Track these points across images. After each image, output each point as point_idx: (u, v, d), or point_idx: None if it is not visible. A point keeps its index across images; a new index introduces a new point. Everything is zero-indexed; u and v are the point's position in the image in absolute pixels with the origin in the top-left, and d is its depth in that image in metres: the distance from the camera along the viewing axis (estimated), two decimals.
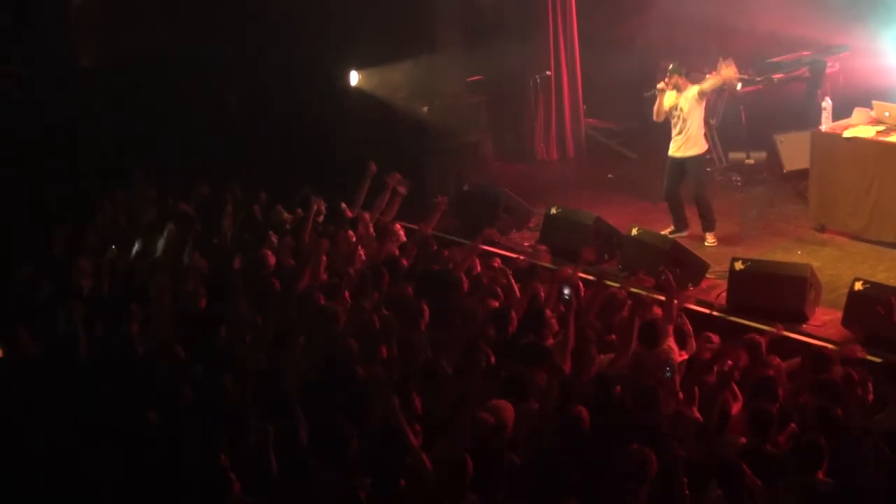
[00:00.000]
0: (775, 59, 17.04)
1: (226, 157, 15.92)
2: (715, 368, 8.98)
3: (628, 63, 17.93)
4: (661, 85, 13.90)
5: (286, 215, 13.34)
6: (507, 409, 8.35)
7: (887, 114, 13.62)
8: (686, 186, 14.22)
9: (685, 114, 13.82)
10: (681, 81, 13.86)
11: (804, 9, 16.71)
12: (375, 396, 8.76)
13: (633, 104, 17.74)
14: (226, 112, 16.86)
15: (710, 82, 14.08)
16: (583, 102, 18.25)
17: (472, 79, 17.58)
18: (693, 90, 13.81)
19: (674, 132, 13.98)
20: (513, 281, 11.10)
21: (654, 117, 14.07)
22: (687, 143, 13.93)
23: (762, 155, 16.34)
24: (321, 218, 13.08)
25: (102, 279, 11.71)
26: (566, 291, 10.76)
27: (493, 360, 9.35)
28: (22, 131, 15.06)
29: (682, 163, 14.02)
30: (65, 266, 11.98)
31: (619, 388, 8.83)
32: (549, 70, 17.84)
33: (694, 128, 13.89)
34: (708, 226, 14.06)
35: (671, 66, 13.92)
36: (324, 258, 11.61)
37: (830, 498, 7.29)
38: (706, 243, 13.92)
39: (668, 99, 13.87)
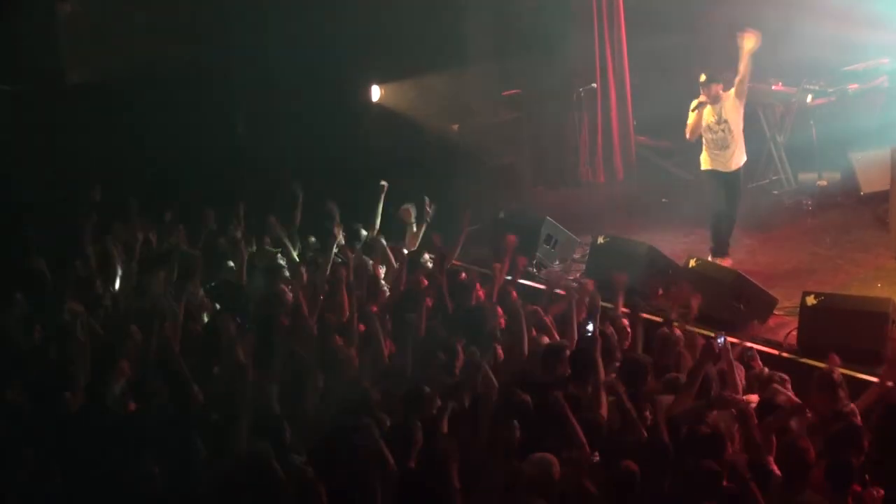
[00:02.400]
0: (850, 68, 17.07)
1: (231, 182, 15.99)
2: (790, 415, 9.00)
3: (683, 73, 17.96)
4: (701, 98, 13.94)
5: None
6: (552, 461, 8.39)
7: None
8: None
9: (731, 124, 13.91)
10: (720, 91, 13.89)
11: (883, 9, 16.70)
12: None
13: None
14: (232, 133, 16.93)
15: (742, 67, 13.87)
16: (633, 118, 18.27)
17: (507, 93, 17.64)
18: (731, 94, 13.90)
19: (714, 148, 14.10)
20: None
21: (688, 135, 14.21)
22: (735, 154, 14.06)
23: (836, 175, 16.35)
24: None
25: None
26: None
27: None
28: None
29: (730, 178, 14.13)
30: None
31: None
32: (595, 82, 17.89)
33: (740, 137, 14.03)
34: (720, 250, 14.24)
35: (705, 77, 13.95)
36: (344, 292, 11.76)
37: None
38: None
39: (708, 114, 13.97)
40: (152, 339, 11.05)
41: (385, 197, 14.20)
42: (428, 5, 16.51)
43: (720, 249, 14.21)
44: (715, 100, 13.84)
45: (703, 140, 14.13)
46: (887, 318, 11.77)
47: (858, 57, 17.25)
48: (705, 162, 14.25)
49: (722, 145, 13.99)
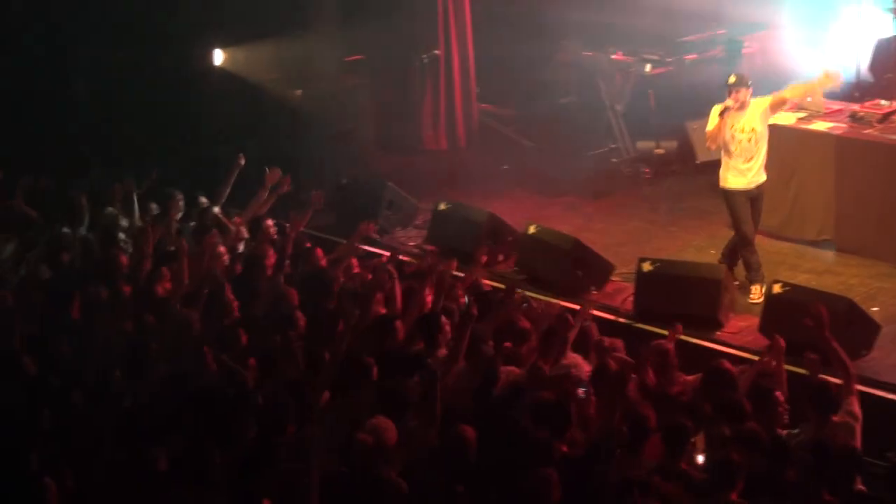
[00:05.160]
0: (687, 39, 17.32)
1: (73, 150, 15.72)
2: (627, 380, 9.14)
3: (525, 42, 18.09)
4: (729, 102, 12.37)
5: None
6: (389, 427, 8.41)
7: (809, 99, 13.83)
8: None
9: (758, 135, 12.40)
10: (747, 96, 12.44)
11: None
12: (242, 415, 8.78)
13: (531, 87, 17.97)
14: (73, 99, 16.62)
15: (797, 92, 12.95)
16: (475, 85, 18.32)
17: (350, 59, 17.55)
18: (763, 103, 12.41)
19: (738, 161, 12.48)
20: (398, 285, 11.16)
21: (709, 144, 12.73)
22: (761, 169, 12.56)
23: (673, 144, 16.57)
24: (179, 215, 13.14)
25: None
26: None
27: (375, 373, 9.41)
28: None
29: (754, 194, 12.65)
30: None
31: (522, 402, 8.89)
32: (438, 49, 17.89)
33: (765, 148, 12.53)
34: (756, 276, 12.66)
35: (733, 79, 12.49)
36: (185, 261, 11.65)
37: None
38: (751, 297, 12.55)
39: (734, 122, 12.41)
40: None
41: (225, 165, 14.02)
42: None
43: (757, 275, 12.61)
44: (742, 106, 12.38)
45: (724, 152, 12.58)
46: (720, 285, 12.02)
47: (695, 27, 17.51)
48: (728, 180, 12.59)
49: (745, 156, 12.42)
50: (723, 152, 12.54)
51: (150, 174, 14.01)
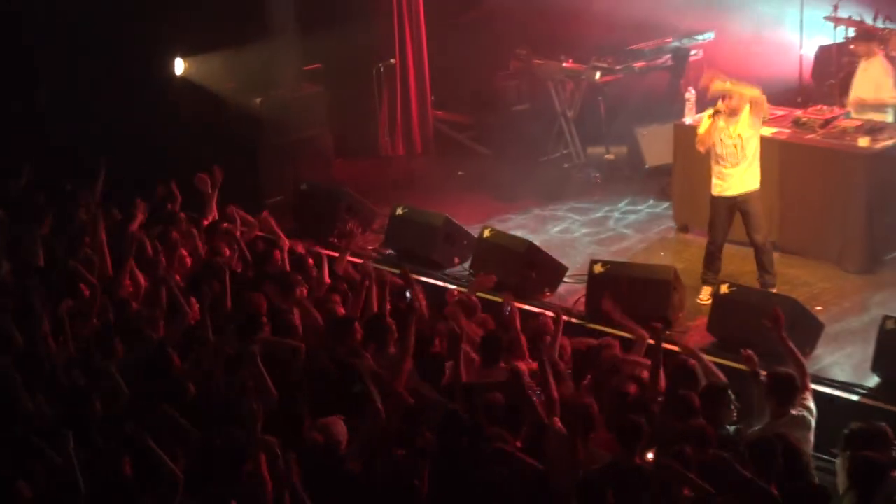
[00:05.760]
0: (636, 47, 17.41)
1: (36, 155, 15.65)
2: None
3: (479, 49, 18.18)
4: (720, 106, 12.21)
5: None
6: (338, 425, 8.48)
7: None
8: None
9: (744, 141, 12.18)
10: (739, 102, 12.17)
11: None
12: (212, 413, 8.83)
13: (485, 95, 18.06)
14: (35, 108, 16.58)
15: (737, 92, 12.36)
16: (431, 93, 18.36)
17: (309, 67, 17.57)
18: (747, 108, 12.18)
19: (722, 167, 12.34)
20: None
21: (699, 146, 12.49)
22: (748, 176, 12.35)
23: (623, 150, 16.67)
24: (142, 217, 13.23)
25: None
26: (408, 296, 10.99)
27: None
28: None
29: (739, 201, 12.44)
30: None
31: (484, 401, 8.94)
32: (394, 58, 17.92)
33: (756, 155, 12.32)
34: (771, 281, 12.54)
35: (727, 83, 12.28)
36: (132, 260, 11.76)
37: None
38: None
39: (724, 127, 12.23)
40: None
41: (183, 169, 14.03)
42: None
43: (771, 279, 12.53)
44: (733, 112, 12.17)
45: (712, 157, 12.42)
46: (670, 286, 12.10)
47: (644, 36, 17.64)
48: (712, 184, 12.52)
49: (730, 162, 12.25)
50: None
51: (99, 170, 14.01)
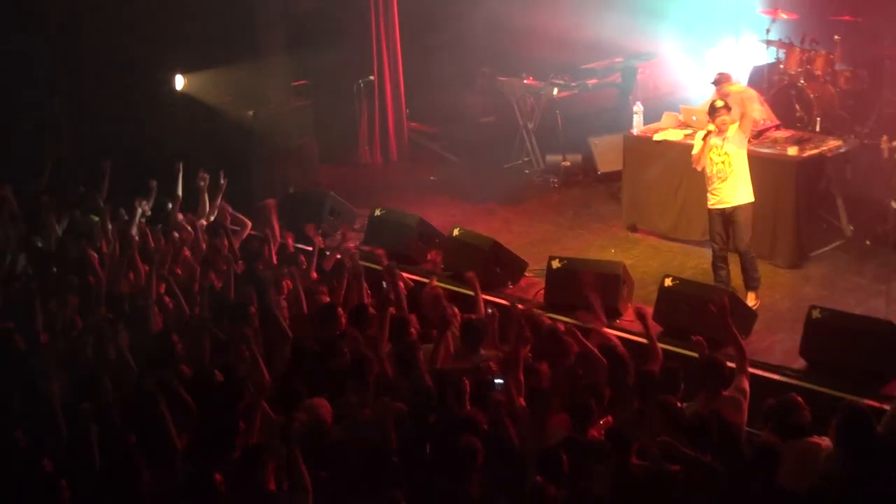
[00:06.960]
0: (589, 66, 17.60)
1: (45, 160, 15.64)
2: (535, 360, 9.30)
3: (449, 67, 18.27)
4: (711, 127, 11.97)
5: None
6: (323, 406, 8.51)
7: (694, 118, 14.02)
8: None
9: (732, 157, 11.91)
10: (727, 121, 11.97)
11: (617, 17, 17.26)
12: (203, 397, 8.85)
13: (455, 108, 18.15)
14: (49, 114, 16.55)
15: (756, 110, 12.83)
16: (405, 106, 18.43)
17: (297, 83, 17.60)
18: (734, 127, 11.96)
19: (711, 182, 12.07)
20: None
21: (694, 165, 12.20)
22: (736, 190, 12.05)
23: (578, 157, 16.73)
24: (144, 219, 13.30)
25: None
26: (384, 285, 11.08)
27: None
28: None
29: (728, 213, 12.11)
30: None
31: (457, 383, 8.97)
32: (373, 75, 17.99)
33: (743, 170, 12.05)
34: (753, 283, 12.29)
35: (717, 103, 12.10)
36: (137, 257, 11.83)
37: (641, 479, 7.67)
38: (748, 305, 12.02)
39: (714, 146, 11.96)
40: None
41: (183, 175, 14.06)
42: (224, 4, 16.33)
43: (754, 283, 12.24)
44: (722, 131, 11.93)
45: (705, 174, 12.15)
46: (619, 279, 12.19)
47: (596, 56, 17.76)
48: (707, 199, 12.24)
49: (719, 178, 11.97)
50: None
51: (103, 173, 14.14)
